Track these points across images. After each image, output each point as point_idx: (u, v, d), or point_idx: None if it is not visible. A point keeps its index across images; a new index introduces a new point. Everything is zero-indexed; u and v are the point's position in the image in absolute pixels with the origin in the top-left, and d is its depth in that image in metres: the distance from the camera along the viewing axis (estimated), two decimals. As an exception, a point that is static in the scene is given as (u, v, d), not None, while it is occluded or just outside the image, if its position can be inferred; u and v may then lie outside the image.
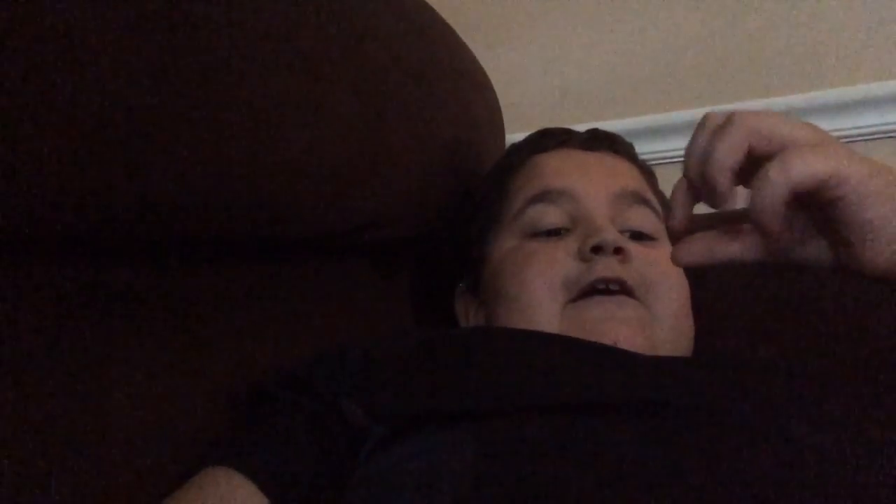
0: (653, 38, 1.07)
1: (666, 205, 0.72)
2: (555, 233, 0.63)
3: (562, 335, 0.55)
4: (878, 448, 0.44)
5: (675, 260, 0.43)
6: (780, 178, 0.36)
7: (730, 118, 0.39)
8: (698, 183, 0.40)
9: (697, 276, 0.66)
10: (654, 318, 0.58)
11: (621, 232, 0.62)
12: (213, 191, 0.47)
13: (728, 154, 0.38)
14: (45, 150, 0.37)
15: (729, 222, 0.43)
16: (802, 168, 0.36)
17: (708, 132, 0.40)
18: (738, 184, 0.40)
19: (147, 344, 0.48)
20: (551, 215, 0.63)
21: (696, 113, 1.01)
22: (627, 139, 0.74)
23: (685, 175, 0.41)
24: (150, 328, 0.49)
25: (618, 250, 0.58)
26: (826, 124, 0.84)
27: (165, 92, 0.41)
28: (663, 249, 0.64)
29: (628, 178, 0.67)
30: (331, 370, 0.53)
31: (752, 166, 0.39)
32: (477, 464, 0.41)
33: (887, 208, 0.38)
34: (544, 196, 0.64)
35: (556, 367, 0.49)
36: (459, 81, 0.76)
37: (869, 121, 0.93)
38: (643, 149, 0.81)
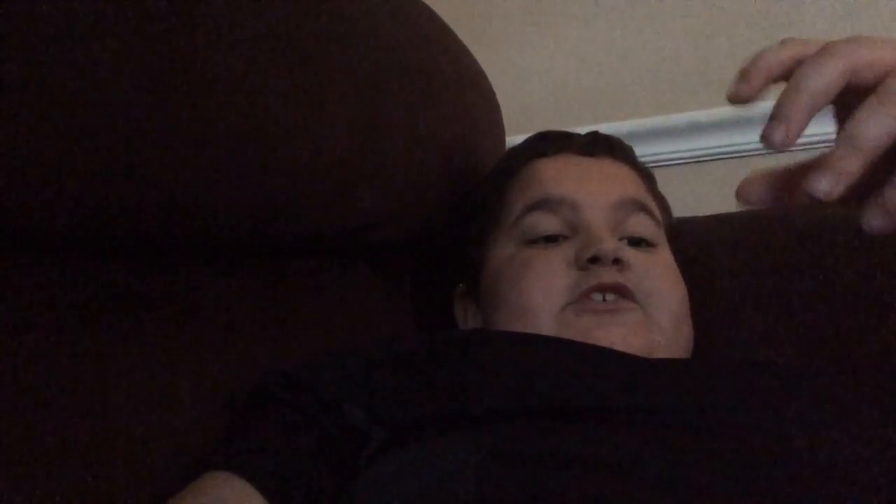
0: (653, 41, 1.07)
1: (665, 207, 0.72)
2: (552, 239, 0.62)
3: (560, 338, 0.55)
4: (878, 449, 0.44)
5: (740, 197, 0.38)
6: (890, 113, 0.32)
7: (825, 49, 0.34)
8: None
9: (697, 281, 0.66)
10: (653, 323, 0.58)
11: (620, 239, 0.62)
12: (212, 191, 0.47)
13: (822, 85, 0.34)
14: (46, 150, 0.37)
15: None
16: None
17: (788, 56, 0.35)
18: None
19: (147, 344, 0.48)
20: (550, 223, 0.63)
21: (696, 115, 1.02)
22: (627, 141, 0.74)
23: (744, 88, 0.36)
24: (150, 328, 0.49)
25: (616, 261, 0.57)
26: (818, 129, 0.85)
27: (166, 93, 0.41)
28: (662, 256, 0.64)
29: (628, 184, 0.66)
30: (332, 372, 0.53)
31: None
32: (479, 469, 0.41)
33: None
34: (543, 204, 0.63)
35: (556, 371, 0.49)
36: (459, 83, 0.76)
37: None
38: (643, 151, 0.81)
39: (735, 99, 0.37)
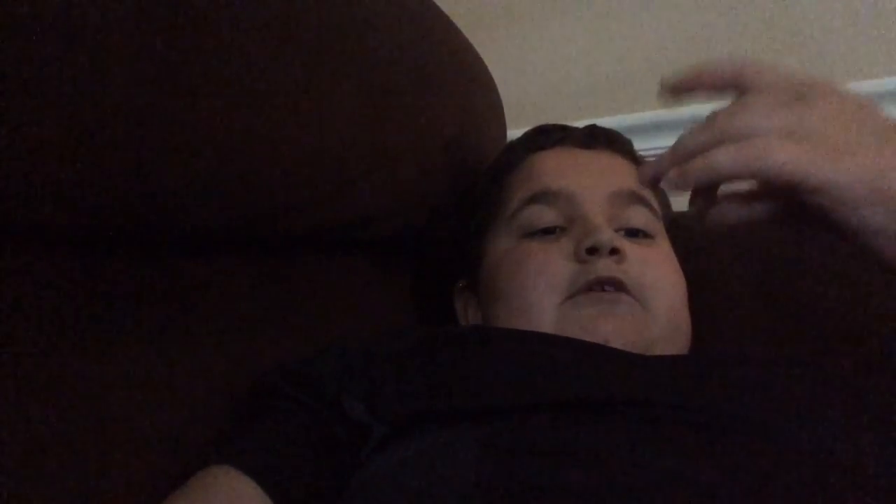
0: (652, 35, 1.07)
1: (665, 201, 0.72)
2: (550, 231, 0.62)
3: (558, 335, 0.55)
4: (875, 446, 0.44)
5: (710, 224, 0.45)
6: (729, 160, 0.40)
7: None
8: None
9: (695, 275, 0.66)
10: (650, 316, 0.58)
11: (617, 230, 0.62)
12: (213, 186, 0.47)
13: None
14: (46, 144, 0.37)
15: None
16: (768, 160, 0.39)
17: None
18: None
19: (147, 341, 0.48)
20: (547, 216, 0.63)
21: (695, 109, 1.01)
22: (627, 135, 0.74)
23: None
24: (150, 324, 0.49)
25: (613, 251, 0.58)
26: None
27: (167, 87, 0.41)
28: (660, 247, 0.64)
29: (626, 176, 0.66)
30: (332, 367, 0.53)
31: None
32: (479, 464, 0.41)
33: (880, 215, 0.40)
34: (541, 197, 0.63)
35: (554, 368, 0.49)
36: (461, 76, 0.76)
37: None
38: (642, 145, 0.81)
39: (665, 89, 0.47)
